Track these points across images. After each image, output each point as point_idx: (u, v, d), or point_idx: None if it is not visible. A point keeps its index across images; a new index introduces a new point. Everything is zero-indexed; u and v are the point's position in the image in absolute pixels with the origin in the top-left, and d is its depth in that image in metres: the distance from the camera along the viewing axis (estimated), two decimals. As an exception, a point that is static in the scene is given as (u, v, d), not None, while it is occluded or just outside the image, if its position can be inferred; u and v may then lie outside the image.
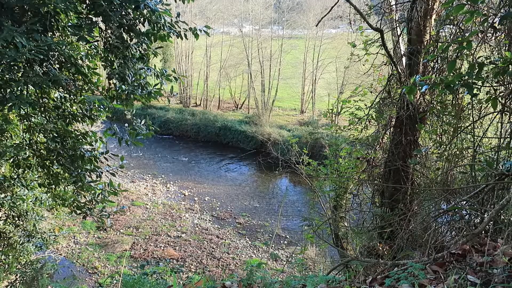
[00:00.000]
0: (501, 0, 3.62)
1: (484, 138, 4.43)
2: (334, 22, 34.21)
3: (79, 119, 5.51)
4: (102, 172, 5.66)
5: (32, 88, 4.44)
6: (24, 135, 5.59)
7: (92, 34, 4.54)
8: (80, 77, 5.11)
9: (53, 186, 5.85)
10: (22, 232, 8.00)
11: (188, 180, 26.78)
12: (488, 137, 4.50)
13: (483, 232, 2.94)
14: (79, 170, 5.36)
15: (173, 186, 25.56)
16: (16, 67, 4.17)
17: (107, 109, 5.74)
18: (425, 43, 5.00)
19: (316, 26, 18.48)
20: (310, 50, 36.93)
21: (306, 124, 33.73)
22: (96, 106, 5.71)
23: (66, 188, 6.12)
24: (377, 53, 5.91)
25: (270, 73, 36.97)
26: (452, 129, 4.82)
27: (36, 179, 6.51)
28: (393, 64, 5.44)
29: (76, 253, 17.18)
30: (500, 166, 3.44)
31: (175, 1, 5.16)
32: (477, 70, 2.74)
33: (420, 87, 2.96)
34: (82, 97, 5.52)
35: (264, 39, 37.62)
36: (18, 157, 5.69)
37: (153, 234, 19.25)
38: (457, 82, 2.75)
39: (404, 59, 5.43)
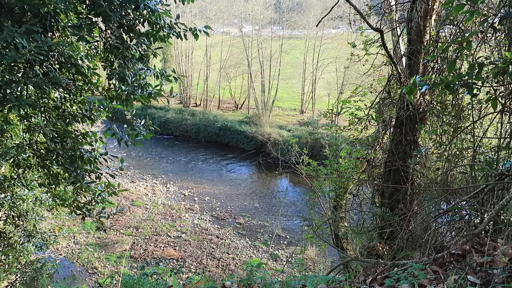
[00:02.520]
0: (501, 0, 3.62)
1: (484, 138, 4.43)
2: (334, 22, 34.25)
3: (79, 119, 5.51)
4: (101, 174, 5.66)
5: (32, 89, 4.44)
6: (24, 135, 5.59)
7: (92, 34, 4.53)
8: (80, 77, 5.11)
9: (53, 186, 5.85)
10: (22, 232, 8.00)
11: (188, 180, 26.77)
12: (488, 137, 4.50)
13: (483, 232, 2.94)
14: (78, 171, 5.36)
15: (173, 186, 25.55)
16: (16, 67, 4.16)
17: (107, 109, 5.74)
18: (425, 43, 5.00)
19: (316, 26, 18.48)
20: (310, 50, 36.92)
21: (306, 124, 33.74)
22: (96, 106, 5.71)
23: (66, 188, 6.12)
24: (377, 53, 5.91)
25: (270, 73, 36.96)
26: (452, 129, 4.82)
27: (36, 179, 6.50)
28: (393, 64, 5.44)
29: (76, 253, 17.19)
30: (500, 166, 3.44)
31: (175, 2, 5.16)
32: (477, 70, 2.74)
33: (420, 87, 2.95)
34: (82, 97, 5.52)
35: (264, 39, 37.62)
36: (18, 157, 5.68)
37: (153, 234, 19.24)
38: (457, 82, 2.75)
39: (404, 59, 5.43)
